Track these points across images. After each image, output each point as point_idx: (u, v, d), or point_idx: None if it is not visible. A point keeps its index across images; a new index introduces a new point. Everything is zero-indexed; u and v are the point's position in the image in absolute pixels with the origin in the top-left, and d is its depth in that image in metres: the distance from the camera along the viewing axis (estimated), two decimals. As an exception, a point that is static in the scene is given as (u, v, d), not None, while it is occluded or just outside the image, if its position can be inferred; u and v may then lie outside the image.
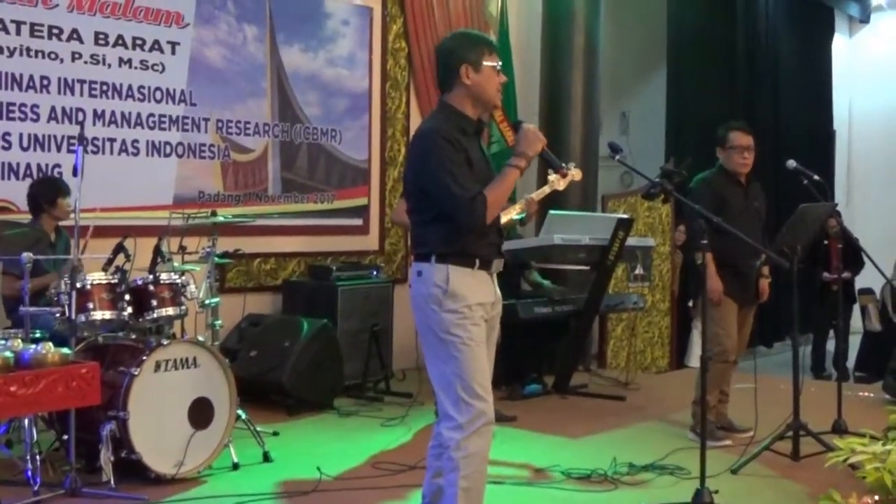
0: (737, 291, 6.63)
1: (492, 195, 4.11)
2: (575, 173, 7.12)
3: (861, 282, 11.82)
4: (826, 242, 11.26)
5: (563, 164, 4.30)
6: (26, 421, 5.46)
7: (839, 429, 6.63)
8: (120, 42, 7.53)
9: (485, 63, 4.24)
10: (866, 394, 8.76)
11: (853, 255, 10.23)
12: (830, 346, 11.75)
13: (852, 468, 5.06)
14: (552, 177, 7.00)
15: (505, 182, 4.17)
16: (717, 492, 5.16)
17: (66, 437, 5.42)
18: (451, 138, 4.14)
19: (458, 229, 4.15)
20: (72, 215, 6.30)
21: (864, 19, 16.26)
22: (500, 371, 7.88)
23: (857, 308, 12.32)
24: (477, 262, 4.21)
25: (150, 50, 7.71)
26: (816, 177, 6.70)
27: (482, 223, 4.11)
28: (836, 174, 15.25)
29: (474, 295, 4.17)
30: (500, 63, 4.32)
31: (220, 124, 8.19)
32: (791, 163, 6.72)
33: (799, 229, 6.42)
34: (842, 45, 15.98)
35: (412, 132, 6.50)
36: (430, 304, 4.17)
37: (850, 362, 11.19)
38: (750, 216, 6.69)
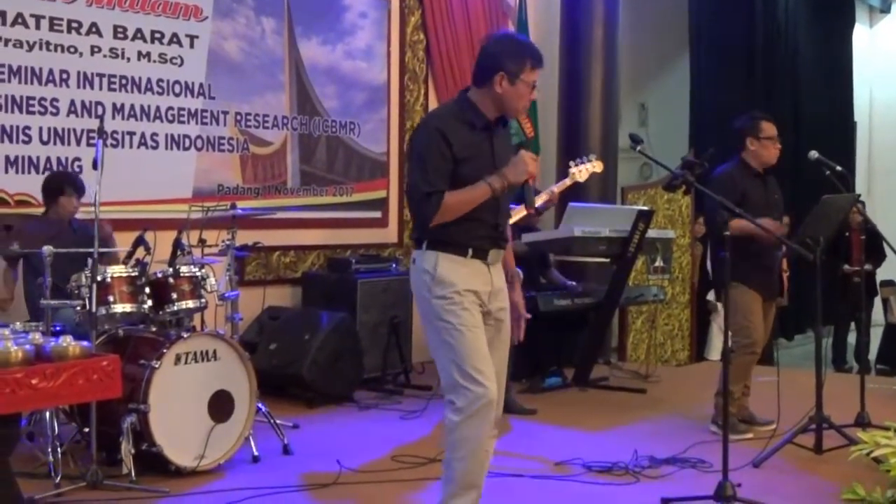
0: (761, 284, 6.58)
1: (452, 198, 4.10)
2: (596, 164, 7.13)
3: (883, 274, 11.76)
4: (848, 234, 11.18)
5: (534, 204, 4.33)
6: (47, 414, 5.48)
7: (862, 422, 6.58)
8: (139, 36, 7.53)
9: (522, 77, 4.20)
10: (889, 386, 8.71)
11: (875, 247, 10.17)
12: (851, 338, 11.71)
13: (876, 462, 5.05)
14: (573, 169, 7.01)
15: (473, 193, 4.13)
16: (739, 485, 5.11)
17: (87, 429, 5.44)
18: (448, 130, 4.14)
19: (413, 218, 4.31)
20: (76, 214, 6.36)
21: (885, 9, 16.18)
22: (521, 364, 7.88)
23: (878, 300, 12.27)
24: (470, 251, 4.21)
25: (169, 43, 7.71)
26: (839, 167, 6.64)
27: (426, 220, 4.11)
28: (856, 165, 15.17)
29: (464, 281, 4.17)
30: (537, 81, 4.27)
31: (238, 117, 8.19)
32: (813, 154, 6.66)
33: (822, 221, 6.37)
34: (862, 35, 15.89)
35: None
36: (422, 291, 4.22)
37: (872, 355, 11.13)
38: (770, 209, 6.64)
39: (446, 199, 4.09)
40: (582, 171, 6.90)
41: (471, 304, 4.19)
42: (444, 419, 4.23)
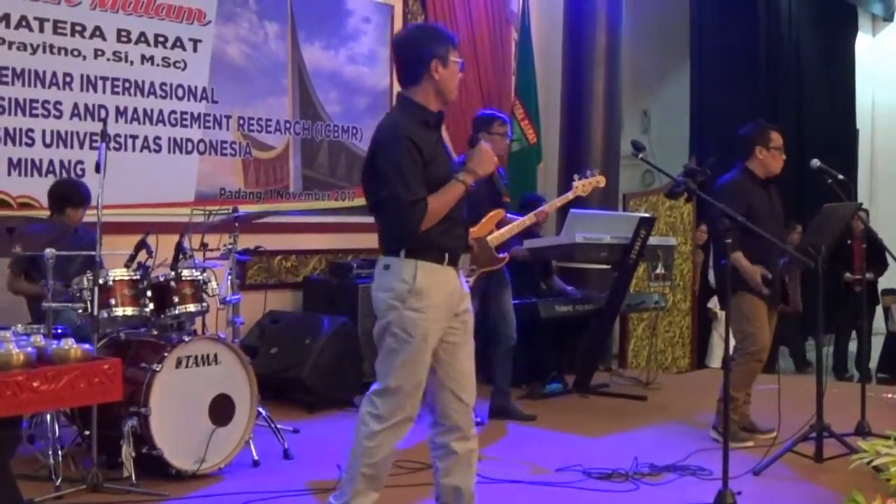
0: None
1: (434, 204, 4.13)
2: (600, 179, 7.18)
3: (884, 282, 11.75)
4: (849, 242, 11.18)
5: (505, 191, 4.39)
6: (48, 416, 5.48)
7: (862, 430, 6.58)
8: (142, 39, 7.54)
9: (450, 58, 4.29)
10: (889, 395, 8.70)
11: (876, 256, 10.16)
12: (852, 346, 11.70)
13: (876, 470, 5.03)
14: (576, 182, 7.05)
15: (448, 194, 4.20)
16: (739, 493, 5.12)
17: (87, 432, 5.44)
18: (415, 136, 4.16)
19: (391, 230, 4.24)
20: (81, 221, 6.37)
21: (888, 18, 16.15)
22: (521, 370, 7.87)
23: (879, 309, 12.26)
24: (446, 256, 4.25)
25: (173, 47, 7.72)
26: (841, 176, 6.64)
27: (415, 229, 4.12)
28: (858, 173, 15.15)
29: (439, 293, 4.22)
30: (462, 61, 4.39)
31: (241, 121, 8.20)
32: (815, 162, 6.67)
33: (824, 229, 6.36)
34: (865, 44, 15.88)
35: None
36: (392, 299, 4.21)
37: (873, 363, 11.12)
38: (774, 218, 6.64)
39: (430, 206, 4.12)
40: (585, 185, 6.93)
41: (440, 321, 4.24)
42: (359, 426, 4.31)
